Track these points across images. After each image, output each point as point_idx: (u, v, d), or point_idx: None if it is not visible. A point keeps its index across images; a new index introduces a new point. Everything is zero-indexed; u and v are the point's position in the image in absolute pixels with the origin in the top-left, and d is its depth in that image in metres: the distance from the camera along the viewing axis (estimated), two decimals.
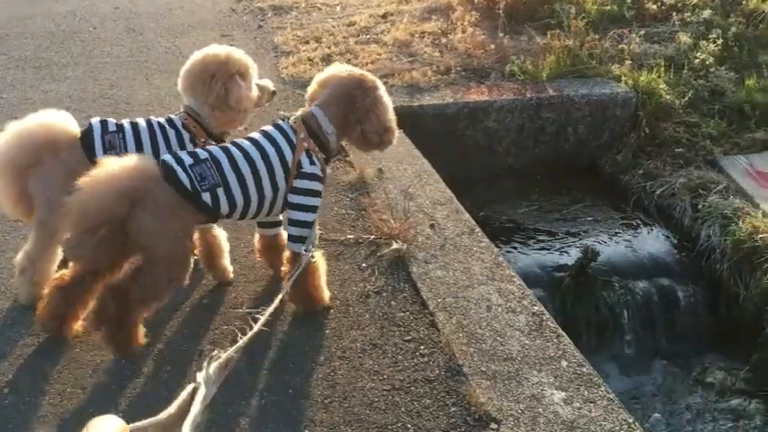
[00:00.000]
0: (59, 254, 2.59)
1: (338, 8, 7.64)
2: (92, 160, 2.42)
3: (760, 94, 5.33)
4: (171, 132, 2.60)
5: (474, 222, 3.29)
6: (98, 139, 2.52)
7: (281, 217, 2.67)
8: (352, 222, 3.25)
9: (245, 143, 2.43)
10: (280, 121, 2.53)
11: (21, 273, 2.60)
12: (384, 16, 7.07)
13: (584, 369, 2.30)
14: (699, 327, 3.92)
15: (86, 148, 2.50)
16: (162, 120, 2.64)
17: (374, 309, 2.65)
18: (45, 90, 5.14)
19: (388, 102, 2.58)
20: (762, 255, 3.65)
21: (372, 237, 3.11)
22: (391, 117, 2.57)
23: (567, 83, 5.32)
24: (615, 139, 5.22)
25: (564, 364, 2.33)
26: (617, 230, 4.46)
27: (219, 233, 2.78)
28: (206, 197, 2.27)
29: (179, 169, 2.24)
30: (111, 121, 2.58)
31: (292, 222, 2.49)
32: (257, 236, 2.78)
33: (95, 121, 2.57)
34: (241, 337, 1.69)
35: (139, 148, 2.53)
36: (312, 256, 2.50)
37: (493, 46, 5.92)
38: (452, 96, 5.05)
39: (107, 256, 2.21)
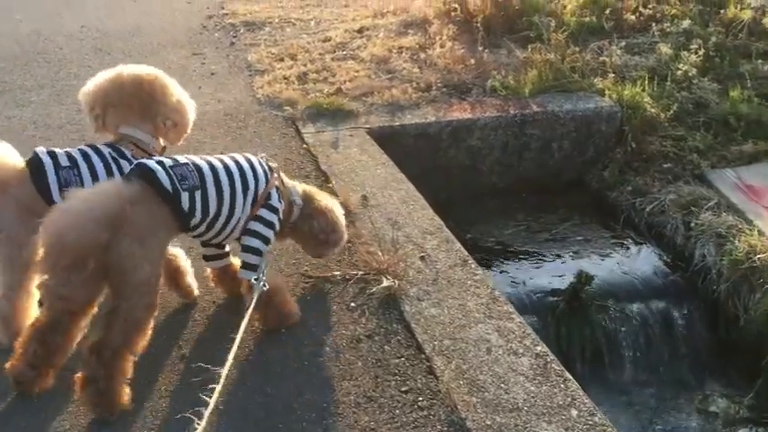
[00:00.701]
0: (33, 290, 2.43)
1: (312, 23, 7.48)
2: (46, 198, 2.33)
3: (744, 105, 5.26)
4: (124, 164, 2.46)
5: (466, 253, 3.13)
6: (51, 175, 2.35)
7: (227, 247, 2.68)
8: (338, 257, 3.07)
9: (228, 160, 2.45)
10: (260, 156, 2.60)
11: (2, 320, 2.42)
12: (360, 31, 6.92)
13: (597, 419, 2.14)
14: (697, 351, 3.80)
15: (39, 186, 2.34)
16: (111, 150, 2.49)
17: (367, 355, 2.47)
18: (8, 116, 4.89)
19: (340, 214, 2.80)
20: (761, 275, 3.54)
21: (360, 273, 2.94)
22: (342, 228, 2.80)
23: (551, 98, 5.20)
24: (601, 154, 5.12)
25: (574, 413, 2.17)
26: (608, 250, 4.34)
27: (178, 252, 2.72)
28: (184, 198, 2.21)
29: (159, 170, 2.18)
30: (61, 153, 2.42)
31: (246, 249, 2.47)
32: (208, 270, 2.76)
33: (43, 154, 2.38)
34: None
35: (96, 182, 2.40)
36: (264, 285, 2.43)
37: (473, 61, 5.79)
38: (434, 114, 4.91)
39: (88, 291, 2.10)
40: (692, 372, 3.78)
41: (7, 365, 2.23)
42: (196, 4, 8.58)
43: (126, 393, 2.18)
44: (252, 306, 2.30)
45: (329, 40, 6.70)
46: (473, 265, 3.03)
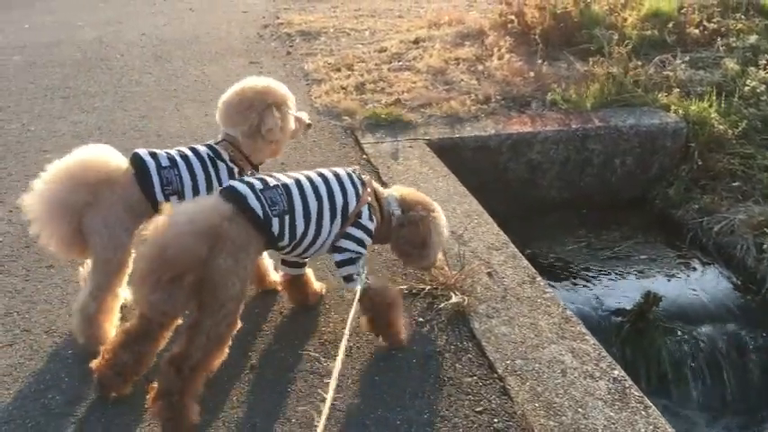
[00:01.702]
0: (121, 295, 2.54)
1: (367, 33, 7.49)
2: (149, 198, 2.41)
3: None
4: (221, 166, 2.56)
5: (534, 270, 3.06)
6: (154, 175, 2.44)
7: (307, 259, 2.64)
8: (404, 270, 3.02)
9: (317, 179, 2.42)
10: (352, 169, 2.54)
11: (81, 311, 2.45)
12: (415, 42, 6.90)
13: None
14: None
15: (143, 185, 2.42)
16: (209, 151, 2.58)
17: (438, 372, 2.41)
18: (74, 121, 4.98)
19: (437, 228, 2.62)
20: None
21: (428, 287, 2.88)
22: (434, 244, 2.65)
23: (613, 112, 5.10)
24: (665, 171, 4.99)
25: None
26: (674, 270, 4.21)
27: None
28: (275, 224, 2.24)
29: (250, 195, 2.19)
30: (162, 154, 2.50)
31: (338, 264, 2.48)
32: (281, 272, 2.76)
33: (146, 155, 2.46)
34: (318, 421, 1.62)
35: (195, 184, 2.50)
36: (367, 279, 2.42)
37: (532, 73, 5.71)
38: (494, 127, 4.84)
39: (184, 304, 2.09)
40: (761, 401, 3.63)
41: (93, 365, 2.26)
42: (252, 13, 8.69)
43: (196, 411, 2.13)
44: (356, 300, 2.30)
45: (385, 51, 6.69)
46: (542, 283, 2.95)
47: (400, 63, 6.32)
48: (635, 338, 3.67)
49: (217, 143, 2.63)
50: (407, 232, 2.54)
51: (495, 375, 2.39)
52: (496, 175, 4.77)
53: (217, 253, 2.04)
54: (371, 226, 2.49)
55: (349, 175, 2.49)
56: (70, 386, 2.37)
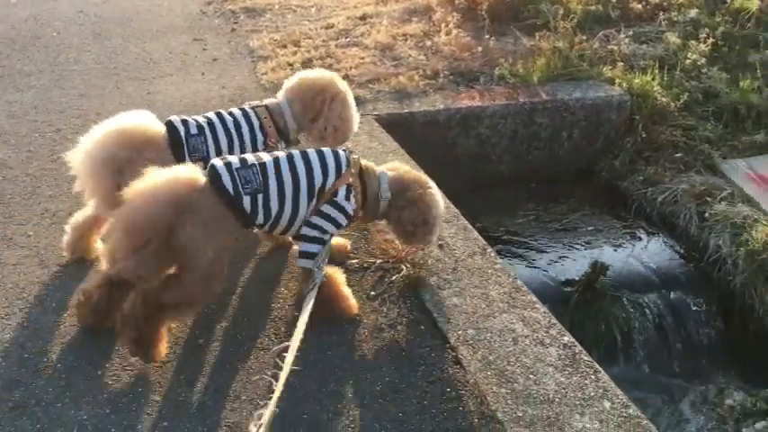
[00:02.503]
0: None
1: (313, 10, 7.36)
2: (179, 161, 2.51)
3: (755, 95, 5.21)
4: (246, 132, 2.69)
5: (484, 241, 3.07)
6: (184, 140, 2.58)
7: None
8: (354, 245, 3.00)
9: (297, 156, 2.42)
10: (340, 149, 2.51)
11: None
12: (362, 18, 6.81)
13: (631, 411, 2.09)
14: (713, 343, 3.75)
15: (175, 151, 2.56)
16: (239, 115, 2.73)
17: (390, 345, 2.40)
18: (8, 101, 4.78)
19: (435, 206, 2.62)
20: None
21: (379, 261, 2.86)
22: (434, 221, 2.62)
23: (560, 86, 5.13)
24: (611, 144, 5.06)
25: (607, 405, 2.11)
26: (620, 240, 4.28)
27: None
28: (246, 202, 2.27)
29: (224, 173, 2.24)
30: (191, 121, 2.63)
31: (307, 238, 2.44)
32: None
33: (177, 122, 2.61)
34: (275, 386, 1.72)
35: (218, 150, 2.63)
36: (324, 274, 2.40)
37: (479, 48, 5.70)
38: (443, 102, 4.83)
39: (157, 267, 2.19)
40: (706, 364, 3.74)
41: (73, 303, 2.48)
42: None
43: (164, 347, 2.29)
44: (312, 295, 2.25)
45: (332, 27, 6.59)
46: (492, 254, 2.97)
47: (347, 39, 6.23)
48: (583, 307, 3.72)
49: (256, 107, 2.77)
50: (409, 213, 2.52)
51: (448, 345, 2.39)
52: (446, 150, 4.76)
53: (185, 221, 2.12)
54: (348, 207, 2.45)
55: (334, 153, 2.46)
56: None
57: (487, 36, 5.98)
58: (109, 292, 2.32)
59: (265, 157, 2.38)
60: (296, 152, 2.44)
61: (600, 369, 2.26)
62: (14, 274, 2.83)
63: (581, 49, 5.64)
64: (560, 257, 4.12)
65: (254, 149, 2.68)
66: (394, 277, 2.75)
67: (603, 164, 4.99)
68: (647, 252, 4.16)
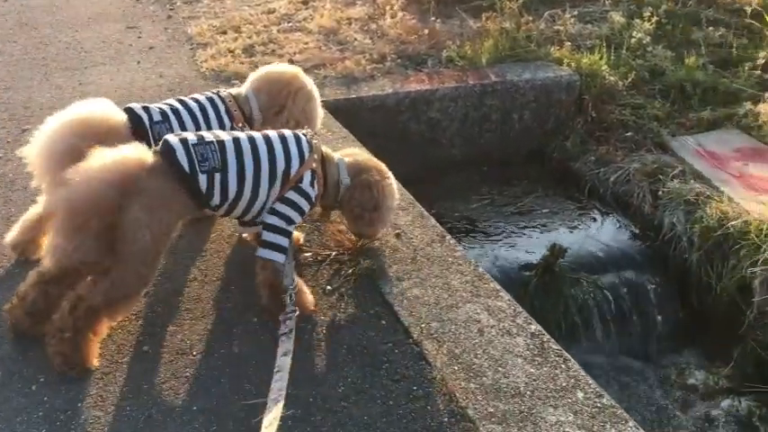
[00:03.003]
0: None
1: None
2: None
3: (700, 72, 5.23)
4: (212, 117, 2.61)
5: (442, 229, 2.96)
6: (149, 129, 2.48)
7: None
8: (307, 235, 2.85)
9: (258, 138, 2.30)
10: (301, 133, 2.41)
11: None
12: (305, 2, 6.61)
13: (605, 401, 2.01)
14: (671, 322, 3.74)
15: (139, 137, 2.37)
16: (203, 100, 2.65)
17: (351, 342, 2.27)
18: None
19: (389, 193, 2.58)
20: (735, 242, 3.49)
21: (334, 253, 2.72)
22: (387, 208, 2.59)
23: (509, 68, 5.06)
24: (561, 124, 5.01)
25: (580, 395, 2.03)
26: (575, 222, 4.24)
27: None
28: (202, 180, 2.13)
29: (180, 149, 2.11)
30: (154, 108, 2.53)
31: (267, 227, 2.33)
32: (246, 234, 2.67)
33: (139, 109, 2.51)
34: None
35: None
36: (295, 309, 2.23)
37: (426, 31, 5.60)
38: (391, 86, 4.70)
39: (98, 253, 2.02)
40: (665, 344, 3.72)
41: (6, 307, 2.25)
42: None
43: (95, 355, 2.14)
44: (290, 339, 2.13)
45: (273, 12, 6.37)
46: (451, 242, 2.86)
47: (290, 24, 6.04)
48: (543, 291, 3.66)
49: (219, 92, 2.71)
50: (360, 195, 2.46)
51: (411, 340, 2.27)
52: (396, 135, 4.63)
53: (130, 203, 1.99)
54: (312, 193, 2.36)
55: (296, 138, 2.36)
56: None
57: (433, 18, 5.88)
58: (46, 290, 2.16)
59: (224, 135, 2.25)
60: (257, 134, 2.32)
61: (570, 358, 2.18)
62: None
63: (527, 30, 5.58)
64: (517, 241, 4.06)
65: None
66: (351, 270, 2.61)
67: (555, 145, 4.94)
68: (603, 232, 4.12)
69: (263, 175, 2.25)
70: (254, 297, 2.47)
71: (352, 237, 2.80)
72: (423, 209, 3.12)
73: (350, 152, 2.59)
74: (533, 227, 4.18)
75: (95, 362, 2.15)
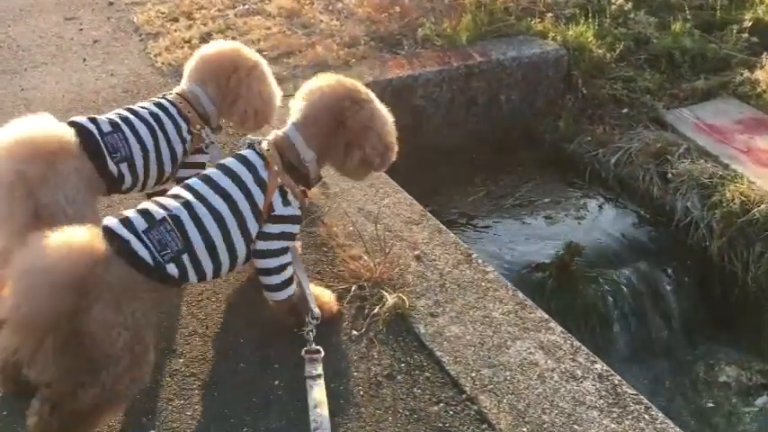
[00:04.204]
0: None
1: None
2: (101, 167, 2.16)
3: (687, 38, 4.99)
4: (167, 122, 2.34)
5: (465, 245, 2.64)
6: (100, 141, 2.18)
7: None
8: (315, 266, 2.50)
9: (210, 194, 1.91)
10: (246, 151, 2.03)
11: None
12: None
13: None
14: (693, 315, 3.52)
15: (92, 153, 2.14)
16: (153, 107, 2.37)
17: (395, 404, 1.94)
18: None
19: (386, 115, 2.15)
20: (762, 228, 3.26)
21: (353, 286, 2.38)
22: (392, 131, 2.14)
23: (492, 45, 4.72)
24: (550, 103, 4.73)
25: None
26: (581, 212, 3.98)
27: None
28: (171, 269, 1.80)
29: (133, 239, 1.74)
30: (102, 119, 2.24)
31: (263, 272, 2.05)
32: None
33: (86, 121, 2.19)
34: None
35: (143, 147, 2.25)
36: (319, 349, 1.98)
37: (398, 8, 5.19)
38: (370, 73, 4.32)
39: (68, 368, 1.66)
40: (689, 338, 3.51)
41: None
42: None
43: None
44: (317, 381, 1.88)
45: None
46: (480, 261, 2.55)
47: (246, 6, 5.55)
48: (559, 293, 3.39)
49: (165, 95, 2.45)
50: (369, 146, 2.05)
51: (464, 396, 1.96)
52: None
53: (90, 303, 1.62)
54: (293, 210, 2.03)
55: (247, 163, 1.98)
56: None
57: None
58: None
59: (171, 203, 1.87)
60: (204, 187, 1.93)
61: (650, 404, 1.90)
62: None
63: (504, 2, 5.24)
64: (523, 238, 3.77)
65: (181, 139, 2.36)
66: (376, 308, 2.27)
67: (546, 126, 4.65)
68: (611, 221, 3.88)
69: (234, 233, 1.92)
70: (270, 350, 2.12)
71: (369, 264, 2.45)
72: (438, 222, 2.81)
73: (302, 104, 2.08)
74: (538, 220, 3.91)
75: None
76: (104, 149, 2.17)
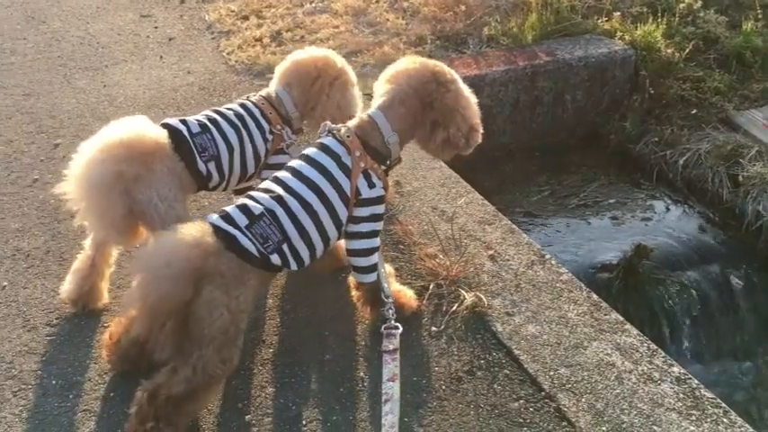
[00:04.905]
0: None
1: None
2: (191, 166, 2.29)
3: (758, 38, 4.91)
4: (251, 123, 2.45)
5: (538, 246, 2.70)
6: (190, 141, 2.30)
7: None
8: (393, 263, 2.59)
9: (299, 186, 2.01)
10: (327, 140, 2.10)
11: None
12: None
13: None
14: (763, 319, 3.50)
15: (182, 153, 2.28)
16: (238, 108, 2.48)
17: (476, 399, 2.02)
18: None
19: (470, 95, 2.20)
20: None
21: (431, 284, 2.46)
22: (476, 112, 2.21)
23: (558, 44, 4.74)
24: (616, 103, 4.72)
25: None
26: (647, 212, 3.98)
27: None
28: (275, 259, 1.93)
29: (239, 234, 1.87)
30: (191, 120, 2.36)
31: (353, 253, 2.16)
32: None
33: (177, 123, 2.33)
34: None
35: (228, 146, 2.37)
36: (397, 326, 2.09)
37: (463, 7, 5.24)
38: None
39: (178, 346, 1.85)
40: (755, 340, 3.49)
41: (103, 340, 2.16)
42: None
43: None
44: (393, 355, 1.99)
45: None
46: (553, 262, 2.60)
47: (313, 5, 5.67)
48: (626, 294, 3.42)
49: (251, 99, 2.54)
50: (454, 128, 2.13)
51: (543, 394, 2.03)
52: None
53: (202, 288, 1.79)
54: (377, 191, 2.09)
55: (331, 153, 2.05)
56: None
57: None
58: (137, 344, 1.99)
59: (265, 198, 1.98)
60: (294, 180, 2.03)
61: (729, 409, 1.94)
62: None
63: (569, 1, 5.23)
64: (588, 238, 3.80)
65: (264, 139, 2.47)
66: (454, 306, 2.35)
67: (611, 126, 4.65)
68: (679, 223, 3.87)
69: (325, 221, 2.02)
70: (354, 343, 2.23)
71: (446, 262, 2.54)
72: (510, 222, 2.86)
73: (384, 89, 2.16)
74: (603, 220, 3.93)
75: None
76: (194, 150, 2.29)
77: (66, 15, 5.76)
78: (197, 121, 2.38)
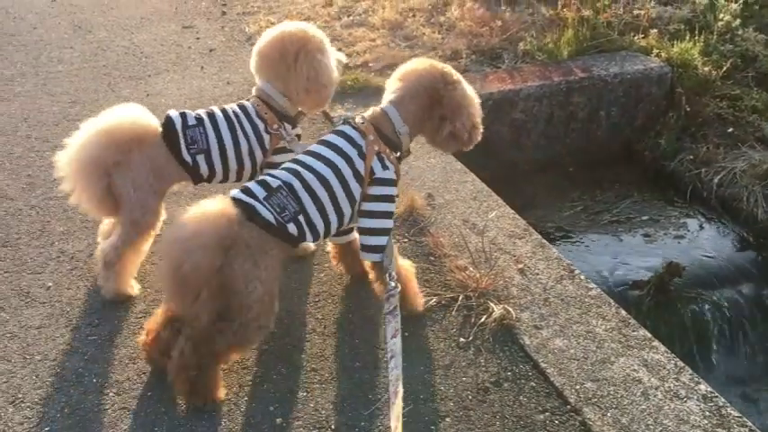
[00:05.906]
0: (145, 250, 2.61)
1: None
2: (176, 156, 2.42)
3: None
4: (245, 122, 2.52)
5: (568, 261, 2.72)
6: (180, 133, 2.42)
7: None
8: (423, 274, 2.64)
9: (316, 163, 2.17)
10: (342, 126, 2.28)
11: (106, 267, 2.52)
12: None
13: None
14: None
15: (170, 143, 2.42)
16: (236, 107, 2.57)
17: (502, 410, 2.06)
18: None
19: (474, 95, 2.36)
20: None
21: (460, 296, 2.50)
22: (479, 111, 2.35)
23: (593, 60, 4.76)
24: (652, 120, 4.71)
25: None
26: (681, 231, 3.97)
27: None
28: (291, 228, 2.07)
29: (258, 205, 2.03)
30: (191, 113, 2.49)
31: (364, 231, 2.28)
32: (330, 244, 2.60)
33: (174, 114, 2.46)
34: None
35: (220, 141, 2.47)
36: (396, 286, 2.17)
37: (499, 22, 5.28)
38: (472, 87, 4.41)
39: (215, 310, 2.00)
40: None
41: (140, 341, 2.24)
42: None
43: (221, 387, 2.12)
44: (394, 311, 2.07)
45: (331, 5, 6.12)
46: (582, 277, 2.62)
47: (351, 18, 5.77)
48: (657, 311, 3.41)
49: (247, 99, 2.61)
50: (460, 121, 2.26)
51: (569, 407, 2.05)
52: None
53: (232, 258, 1.94)
54: (390, 174, 2.25)
55: (346, 137, 2.22)
56: None
57: (503, 8, 5.56)
58: (177, 328, 2.12)
59: (283, 174, 2.13)
60: (310, 159, 2.18)
61: (755, 428, 1.94)
62: (40, 340, 2.43)
63: (607, 17, 5.25)
64: (620, 254, 3.80)
65: (257, 137, 2.53)
66: (483, 318, 2.39)
67: (646, 143, 4.65)
68: (712, 242, 3.85)
69: (340, 195, 2.16)
70: (384, 352, 2.27)
71: (475, 275, 2.58)
72: (540, 237, 2.89)
73: (395, 86, 2.29)
74: (635, 237, 3.92)
75: (221, 396, 2.12)
76: (181, 140, 2.41)
77: (112, 25, 5.94)
78: (195, 114, 2.50)
